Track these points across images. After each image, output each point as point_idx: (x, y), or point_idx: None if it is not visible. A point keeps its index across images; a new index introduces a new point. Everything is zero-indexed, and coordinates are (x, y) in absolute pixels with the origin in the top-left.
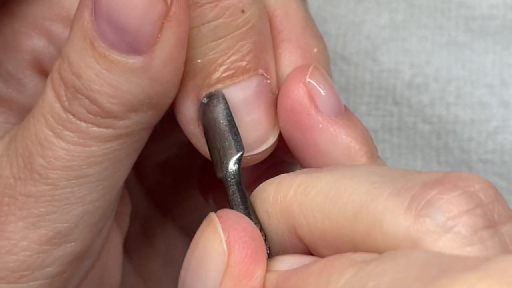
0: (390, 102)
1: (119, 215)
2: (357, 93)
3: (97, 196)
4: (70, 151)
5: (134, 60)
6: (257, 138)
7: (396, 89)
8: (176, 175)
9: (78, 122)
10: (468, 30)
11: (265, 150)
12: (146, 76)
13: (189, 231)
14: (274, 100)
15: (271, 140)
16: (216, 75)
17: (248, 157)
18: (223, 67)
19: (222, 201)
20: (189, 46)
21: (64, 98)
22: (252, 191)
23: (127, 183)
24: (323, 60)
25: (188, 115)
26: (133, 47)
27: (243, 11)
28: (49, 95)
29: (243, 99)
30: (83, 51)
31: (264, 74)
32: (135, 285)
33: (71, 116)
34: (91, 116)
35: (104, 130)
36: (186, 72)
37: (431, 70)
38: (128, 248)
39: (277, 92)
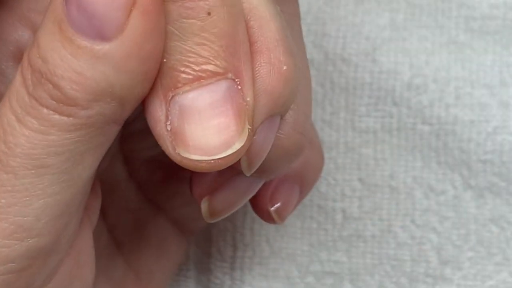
0: (390, 103)
1: (89, 208)
2: (357, 94)
3: (58, 189)
4: (30, 138)
5: (99, 47)
6: (223, 142)
7: (396, 90)
8: (167, 170)
9: (40, 108)
10: (469, 29)
11: (230, 155)
12: (110, 64)
13: (181, 225)
14: (245, 108)
15: (237, 145)
16: (183, 76)
17: (212, 161)
18: (189, 69)
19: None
20: None
21: (30, 82)
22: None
23: (115, 177)
24: (291, 78)
25: (156, 115)
26: (100, 33)
27: (209, 14)
28: (17, 79)
29: (210, 102)
30: (52, 34)
31: (234, 79)
32: (125, 278)
33: (34, 101)
34: (54, 102)
35: (65, 118)
36: None
37: (431, 70)
38: (119, 241)
39: (249, 100)
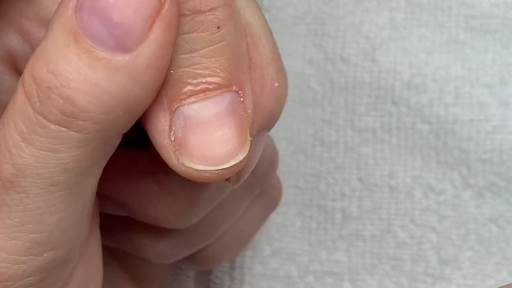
0: (389, 102)
1: (94, 214)
2: (356, 93)
3: (69, 203)
4: (39, 157)
5: (119, 58)
6: (226, 153)
7: (395, 89)
8: None
9: (48, 124)
10: (469, 28)
11: (233, 165)
12: (128, 76)
13: None
14: (247, 119)
15: (240, 156)
16: (189, 88)
17: (216, 172)
18: (196, 81)
19: None
20: None
21: (36, 99)
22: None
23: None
24: (281, 94)
25: (159, 125)
26: (121, 44)
27: (218, 28)
28: (19, 97)
29: (214, 114)
30: (64, 47)
31: (238, 91)
32: (120, 279)
33: (41, 118)
34: (63, 117)
35: (75, 134)
36: None
37: (430, 70)
38: (110, 246)
39: (250, 112)
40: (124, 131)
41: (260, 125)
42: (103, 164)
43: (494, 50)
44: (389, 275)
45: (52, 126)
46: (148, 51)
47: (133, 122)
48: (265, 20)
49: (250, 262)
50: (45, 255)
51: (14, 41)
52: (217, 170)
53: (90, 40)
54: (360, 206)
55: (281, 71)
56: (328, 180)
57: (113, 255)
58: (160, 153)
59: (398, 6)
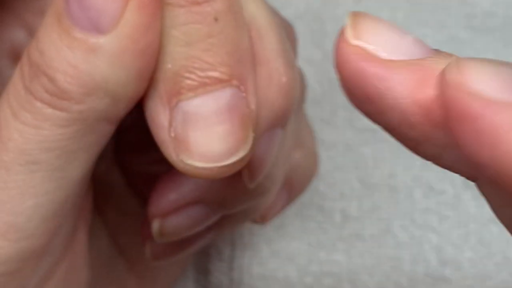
0: None
1: (83, 212)
2: None
3: (51, 188)
4: (23, 132)
5: (95, 40)
6: (227, 150)
7: None
8: None
9: (34, 101)
10: (469, 27)
11: (234, 162)
12: (105, 58)
13: None
14: (249, 115)
15: (242, 153)
16: (187, 82)
17: (215, 169)
18: (194, 75)
19: None
20: (160, 47)
21: (27, 76)
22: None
23: (112, 183)
24: (290, 89)
25: (159, 121)
26: (96, 25)
27: (216, 19)
28: (16, 74)
29: (215, 109)
30: (50, 27)
31: (239, 86)
32: (127, 281)
33: (29, 95)
34: (48, 95)
35: (58, 112)
36: (157, 76)
37: None
38: (120, 244)
39: (253, 107)
40: (114, 120)
41: (269, 122)
42: (92, 153)
43: (494, 49)
44: (388, 275)
45: (38, 103)
46: (122, 33)
47: (121, 109)
48: (273, 14)
49: (248, 262)
50: (22, 242)
51: (19, 36)
52: (217, 167)
53: (70, 21)
54: (360, 206)
55: (290, 66)
56: (328, 179)
57: (123, 256)
58: (161, 149)
59: (398, 5)
